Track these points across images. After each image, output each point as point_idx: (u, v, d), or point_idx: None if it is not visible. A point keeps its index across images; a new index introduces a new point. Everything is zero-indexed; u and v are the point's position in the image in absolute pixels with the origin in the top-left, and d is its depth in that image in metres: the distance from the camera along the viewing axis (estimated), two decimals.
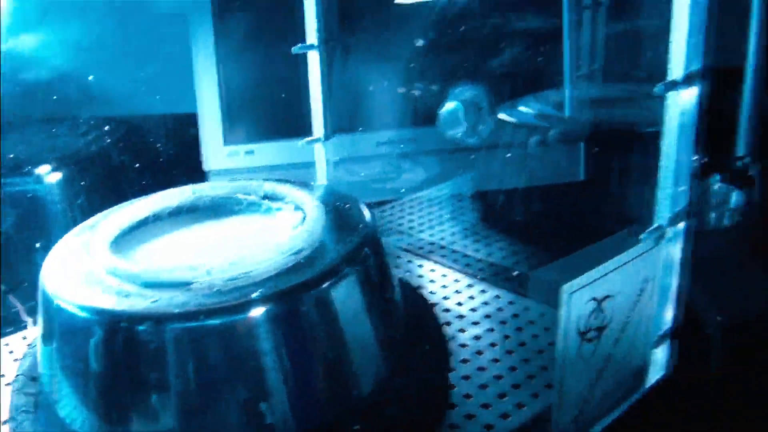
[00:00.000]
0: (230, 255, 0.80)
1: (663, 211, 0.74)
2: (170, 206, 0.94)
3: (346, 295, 0.77)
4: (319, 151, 1.20)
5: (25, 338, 1.05)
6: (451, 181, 1.47)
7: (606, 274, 0.70)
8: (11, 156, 1.29)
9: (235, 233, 0.88)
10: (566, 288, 0.66)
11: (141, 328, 0.71)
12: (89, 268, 0.80)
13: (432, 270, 1.14)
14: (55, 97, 1.36)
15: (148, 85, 1.50)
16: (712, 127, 0.77)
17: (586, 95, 1.41)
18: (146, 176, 1.39)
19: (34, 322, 1.08)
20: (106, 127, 1.42)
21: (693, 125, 0.71)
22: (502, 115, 1.36)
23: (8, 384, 0.92)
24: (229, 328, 0.71)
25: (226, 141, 1.49)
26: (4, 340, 1.05)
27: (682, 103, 0.70)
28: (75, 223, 1.29)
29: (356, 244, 0.80)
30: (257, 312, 0.71)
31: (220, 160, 1.50)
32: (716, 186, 1.14)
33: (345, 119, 1.40)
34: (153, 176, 1.38)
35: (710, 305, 0.91)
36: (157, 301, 0.72)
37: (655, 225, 0.74)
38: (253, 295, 0.72)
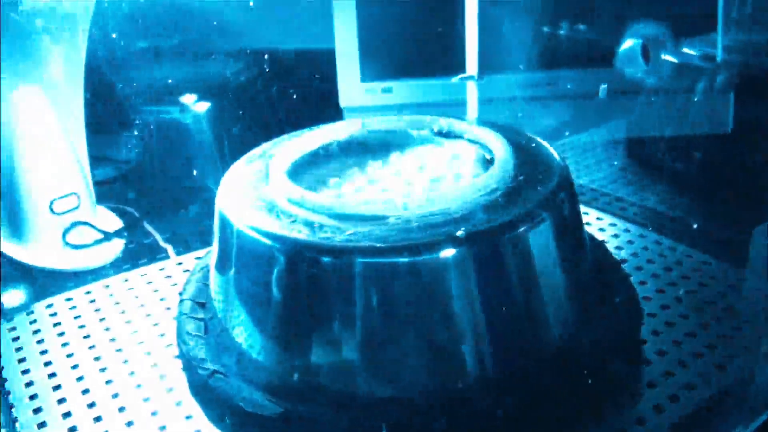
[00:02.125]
0: (423, 191, 0.76)
1: None
2: (340, 139, 0.90)
3: (542, 240, 0.72)
4: (471, 89, 1.15)
5: (180, 264, 1.04)
6: (605, 126, 1.40)
7: None
8: (158, 85, 1.27)
9: (419, 169, 0.84)
10: None
11: (339, 260, 0.68)
12: (270, 196, 0.77)
13: (598, 218, 1.08)
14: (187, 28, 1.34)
15: (287, 18, 1.46)
16: None
17: (739, 40, 1.30)
18: (287, 110, 1.36)
19: (176, 251, 1.07)
20: (249, 60, 1.39)
21: None
22: (665, 56, 1.28)
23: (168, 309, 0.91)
24: (429, 266, 0.67)
25: (364, 78, 1.45)
26: (158, 264, 1.04)
27: None
28: (220, 154, 1.28)
29: (553, 187, 0.75)
30: (456, 251, 0.67)
31: (356, 97, 1.45)
32: None
33: (495, 59, 1.34)
34: (293, 111, 1.35)
35: None
36: (354, 234, 0.69)
37: None
38: (458, 233, 0.68)
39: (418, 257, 0.67)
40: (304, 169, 0.86)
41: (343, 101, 1.45)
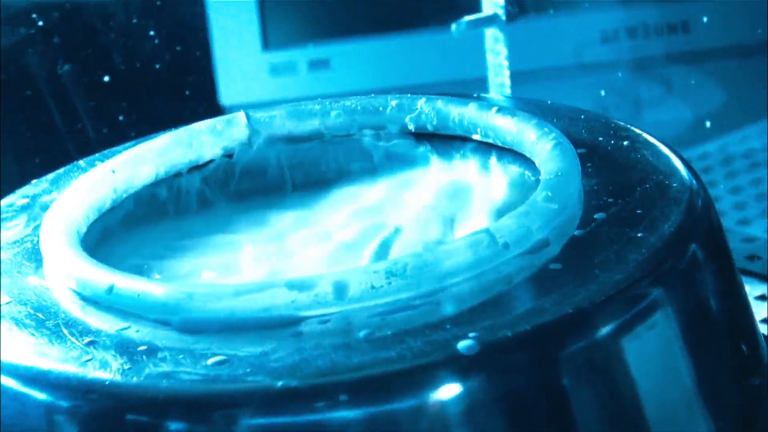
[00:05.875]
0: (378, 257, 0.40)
1: None
2: (203, 162, 0.48)
3: (654, 353, 0.36)
4: (493, 41, 0.73)
5: None
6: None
7: None
8: None
9: (372, 229, 0.43)
10: None
11: (194, 426, 0.31)
12: (42, 294, 0.39)
13: None
14: None
15: None
16: None
17: None
18: (104, 110, 0.91)
19: None
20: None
21: None
22: None
23: None
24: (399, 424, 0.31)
25: (269, 43, 0.93)
26: None
27: None
28: None
29: (673, 239, 0.37)
30: (462, 387, 0.31)
31: (254, 84, 0.92)
32: None
33: None
34: (115, 111, 0.92)
35: None
36: (228, 363, 0.32)
37: None
38: (461, 345, 0.31)
39: (375, 407, 0.31)
40: (121, 232, 0.45)
41: (226, 96, 0.91)
